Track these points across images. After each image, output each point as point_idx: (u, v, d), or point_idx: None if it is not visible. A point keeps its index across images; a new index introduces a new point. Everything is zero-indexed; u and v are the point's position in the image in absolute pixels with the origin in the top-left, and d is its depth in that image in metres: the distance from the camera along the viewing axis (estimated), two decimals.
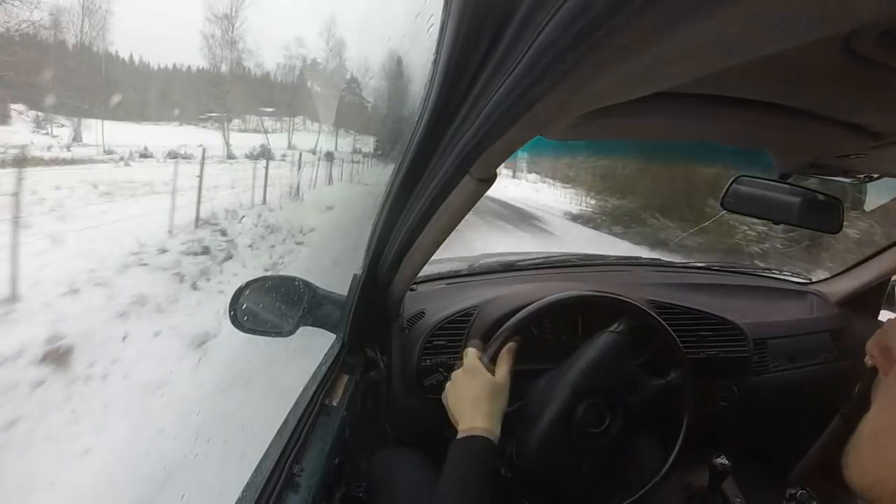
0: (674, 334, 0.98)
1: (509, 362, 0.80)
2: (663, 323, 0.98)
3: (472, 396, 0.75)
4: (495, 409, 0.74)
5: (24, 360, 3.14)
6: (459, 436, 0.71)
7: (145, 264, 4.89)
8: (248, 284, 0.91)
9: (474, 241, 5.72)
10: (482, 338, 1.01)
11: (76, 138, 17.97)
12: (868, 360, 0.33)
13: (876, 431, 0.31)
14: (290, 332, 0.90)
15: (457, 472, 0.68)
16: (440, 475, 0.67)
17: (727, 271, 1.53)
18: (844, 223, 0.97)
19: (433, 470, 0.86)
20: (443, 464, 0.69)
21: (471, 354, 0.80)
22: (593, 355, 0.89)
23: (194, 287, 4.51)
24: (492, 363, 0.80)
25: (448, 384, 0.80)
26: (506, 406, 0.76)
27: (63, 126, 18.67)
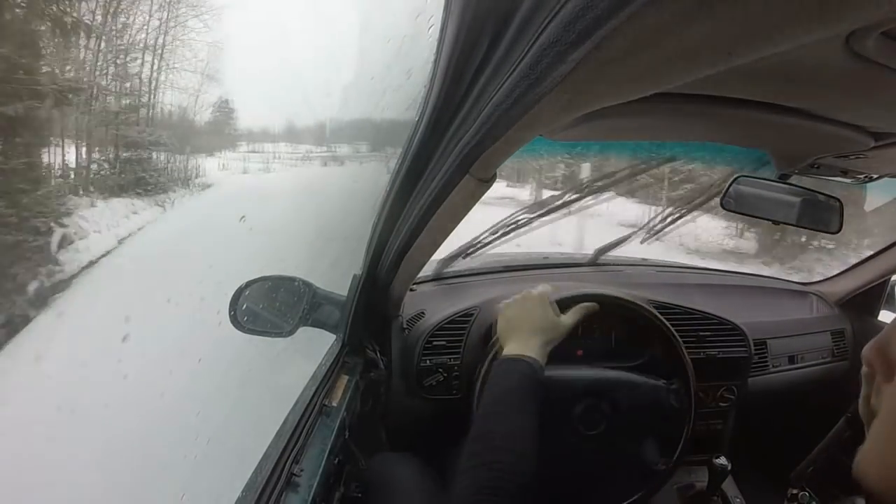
0: (678, 336, 0.98)
1: (579, 316, 0.79)
2: (668, 325, 0.98)
3: (532, 324, 0.73)
4: (548, 348, 0.72)
5: None
6: (505, 354, 0.69)
7: None
8: (247, 285, 0.91)
9: None
10: (482, 338, 1.01)
11: None
12: (865, 370, 0.33)
13: (887, 438, 0.30)
14: (290, 333, 0.90)
15: (501, 387, 0.66)
16: (438, 477, 0.67)
17: (727, 272, 1.53)
18: None
19: (431, 472, 0.85)
20: (442, 466, 0.68)
21: (544, 287, 0.79)
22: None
23: None
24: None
25: (507, 303, 0.78)
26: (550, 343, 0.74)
27: None
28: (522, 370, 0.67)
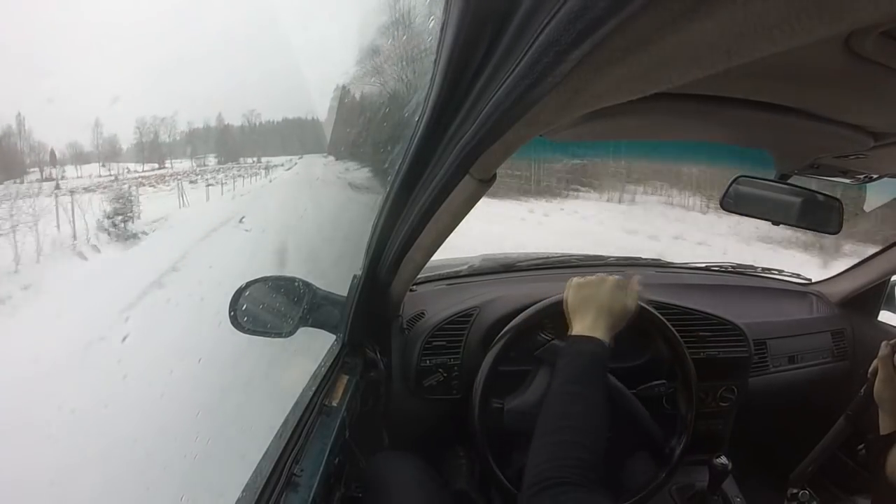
0: (678, 336, 0.98)
1: (635, 291, 0.81)
2: (669, 325, 0.98)
3: (605, 307, 0.75)
4: (614, 331, 0.74)
5: None
6: (575, 332, 0.71)
7: None
8: (248, 285, 0.90)
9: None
10: (482, 338, 1.01)
11: None
12: (885, 352, 0.33)
13: None
14: (290, 333, 0.90)
15: (575, 366, 0.67)
16: (438, 476, 0.67)
17: (727, 272, 1.53)
18: None
19: (431, 471, 0.86)
20: (441, 466, 0.68)
21: (635, 279, 0.81)
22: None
23: None
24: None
25: (580, 281, 0.80)
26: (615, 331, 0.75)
27: None
28: (595, 350, 0.69)
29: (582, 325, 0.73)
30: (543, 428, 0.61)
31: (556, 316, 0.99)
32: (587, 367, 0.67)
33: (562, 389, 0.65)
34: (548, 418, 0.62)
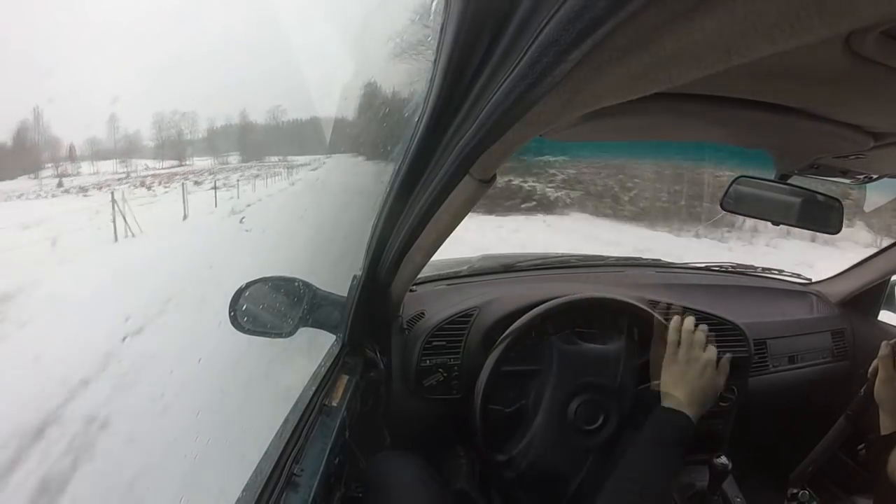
0: None
1: (726, 373, 0.85)
2: (668, 325, 0.98)
3: (704, 394, 0.80)
4: (703, 410, 0.79)
5: None
6: (668, 404, 0.76)
7: None
8: (248, 285, 0.91)
9: None
10: (482, 339, 1.01)
11: None
12: (885, 352, 0.33)
13: None
14: (290, 333, 0.90)
15: (660, 439, 0.73)
16: (438, 476, 0.67)
17: (727, 272, 1.53)
18: None
19: (431, 472, 0.85)
20: (441, 466, 0.69)
21: (726, 360, 0.85)
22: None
23: None
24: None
25: (678, 357, 0.83)
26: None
27: None
28: (683, 426, 0.75)
29: (675, 399, 0.78)
30: (620, 477, 0.70)
31: (558, 318, 1.00)
32: (669, 438, 0.74)
33: (644, 449, 0.73)
34: (627, 468, 0.71)
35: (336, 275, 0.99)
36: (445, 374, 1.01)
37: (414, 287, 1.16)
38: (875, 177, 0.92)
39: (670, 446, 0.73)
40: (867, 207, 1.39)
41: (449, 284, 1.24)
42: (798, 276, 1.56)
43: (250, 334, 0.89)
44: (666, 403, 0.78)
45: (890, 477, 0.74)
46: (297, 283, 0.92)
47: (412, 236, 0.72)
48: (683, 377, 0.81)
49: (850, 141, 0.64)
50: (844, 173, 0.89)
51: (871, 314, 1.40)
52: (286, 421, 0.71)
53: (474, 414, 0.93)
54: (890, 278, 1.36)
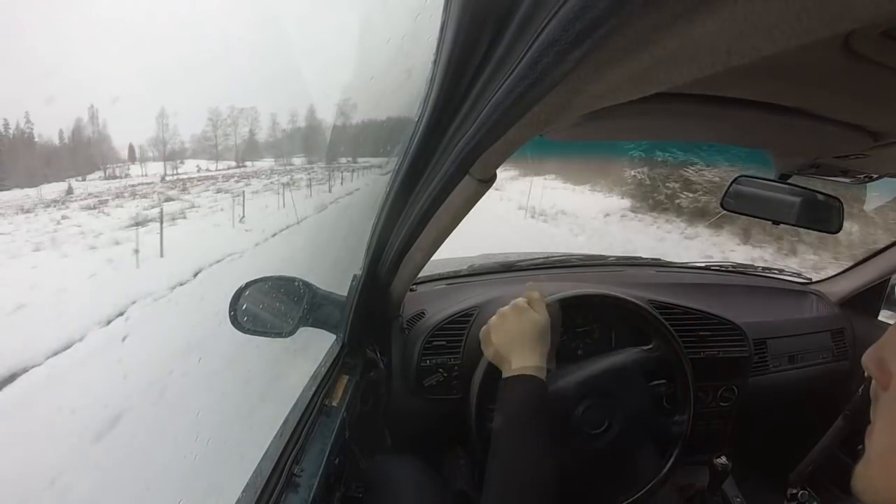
0: (677, 336, 0.98)
1: (554, 310, 0.81)
2: (667, 325, 0.98)
3: (527, 335, 0.75)
4: (547, 348, 0.75)
5: None
6: (509, 374, 0.72)
7: None
8: (247, 285, 0.90)
9: None
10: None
11: None
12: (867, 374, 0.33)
13: (882, 452, 0.30)
14: (290, 333, 0.90)
15: (509, 413, 0.69)
16: (438, 477, 0.67)
17: (727, 271, 1.53)
18: None
19: (431, 473, 0.86)
20: (441, 466, 0.69)
21: (529, 293, 0.81)
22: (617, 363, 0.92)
23: None
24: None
25: (493, 321, 0.79)
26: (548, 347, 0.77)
27: None
28: (526, 391, 0.70)
29: (515, 363, 0.72)
30: (489, 467, 0.65)
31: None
32: (520, 409, 0.69)
33: (497, 434, 0.68)
34: (491, 457, 0.66)
35: (336, 274, 0.99)
36: (445, 374, 1.01)
37: (414, 287, 1.16)
38: (875, 176, 0.92)
39: (525, 417, 0.67)
40: (867, 207, 1.39)
41: (449, 284, 1.24)
42: (798, 275, 1.57)
43: (250, 334, 0.89)
44: (505, 375, 0.73)
45: None
46: (297, 283, 0.92)
47: (412, 236, 0.72)
48: (501, 342, 0.75)
49: (850, 141, 0.64)
50: (844, 173, 0.89)
51: (871, 314, 1.40)
52: (286, 421, 0.70)
53: (470, 414, 0.93)
54: (890, 278, 1.36)
